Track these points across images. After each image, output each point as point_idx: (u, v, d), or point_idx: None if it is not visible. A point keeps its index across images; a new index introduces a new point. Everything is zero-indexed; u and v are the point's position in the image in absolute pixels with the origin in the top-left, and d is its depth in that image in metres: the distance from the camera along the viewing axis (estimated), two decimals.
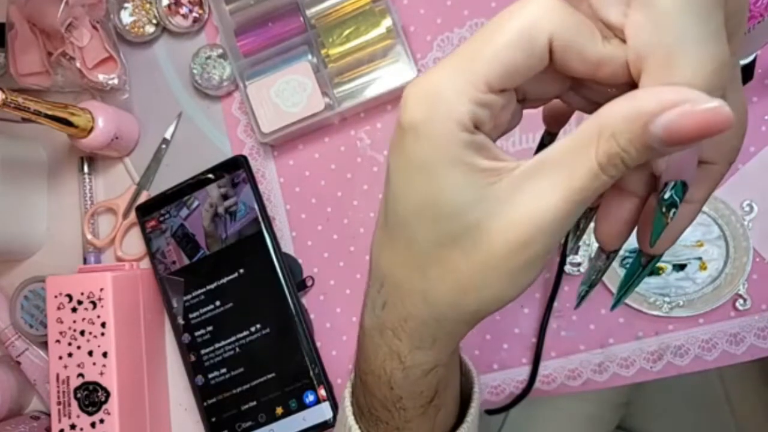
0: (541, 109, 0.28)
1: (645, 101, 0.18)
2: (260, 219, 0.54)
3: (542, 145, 0.30)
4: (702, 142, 0.20)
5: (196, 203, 0.55)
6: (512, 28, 0.20)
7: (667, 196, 0.21)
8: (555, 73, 0.22)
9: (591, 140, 0.19)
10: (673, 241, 0.24)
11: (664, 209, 0.21)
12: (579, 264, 0.50)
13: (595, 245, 0.29)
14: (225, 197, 0.55)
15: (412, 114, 0.21)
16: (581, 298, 0.28)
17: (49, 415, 0.55)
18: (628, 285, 0.27)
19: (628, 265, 0.49)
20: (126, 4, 0.58)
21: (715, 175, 0.23)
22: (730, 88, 0.21)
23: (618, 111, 0.19)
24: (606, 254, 0.26)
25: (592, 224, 0.27)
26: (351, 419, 0.31)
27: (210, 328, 0.54)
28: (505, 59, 0.20)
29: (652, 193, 0.24)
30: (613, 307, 0.28)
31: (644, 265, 0.26)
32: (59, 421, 0.50)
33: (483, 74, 0.21)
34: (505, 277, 0.22)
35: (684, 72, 0.18)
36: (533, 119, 0.26)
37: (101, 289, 0.50)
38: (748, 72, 0.44)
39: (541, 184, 0.20)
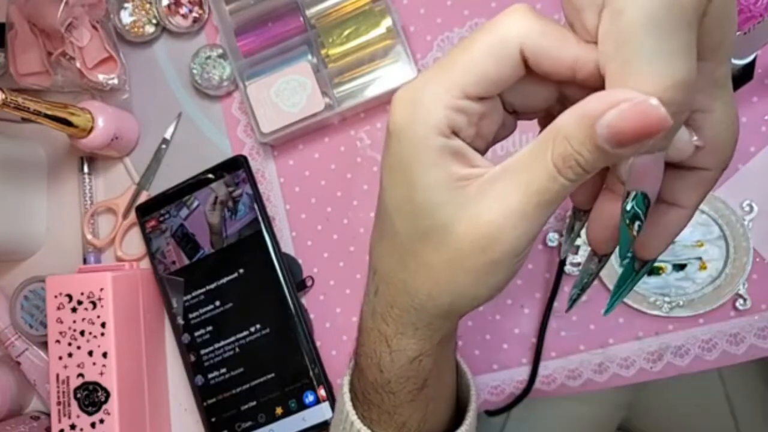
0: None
1: (592, 103, 0.19)
2: (260, 219, 0.54)
3: None
4: (674, 150, 0.21)
5: (196, 203, 0.55)
6: (485, 40, 0.22)
7: (628, 207, 0.21)
8: (539, 85, 0.23)
9: (548, 143, 0.20)
10: (666, 246, 0.25)
11: (627, 221, 0.21)
12: (579, 264, 0.50)
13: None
14: (230, 195, 0.55)
15: (395, 118, 0.23)
16: (573, 302, 0.28)
17: (49, 415, 0.55)
18: (621, 290, 0.27)
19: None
20: (126, 4, 0.58)
21: (708, 181, 0.23)
22: (720, 98, 0.22)
23: (570, 114, 0.20)
24: (598, 257, 0.26)
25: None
26: (348, 405, 0.33)
27: (210, 328, 0.54)
28: (478, 68, 0.22)
29: None
30: (607, 311, 0.28)
31: (637, 270, 0.26)
32: (59, 421, 0.50)
33: (458, 82, 0.22)
34: (470, 275, 0.23)
35: (637, 86, 0.18)
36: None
37: (101, 289, 0.50)
38: (748, 72, 0.44)
39: (503, 188, 0.22)
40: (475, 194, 0.22)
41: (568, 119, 0.20)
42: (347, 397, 0.33)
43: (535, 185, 0.21)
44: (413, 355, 0.28)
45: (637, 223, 0.21)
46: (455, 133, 0.23)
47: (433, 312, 0.26)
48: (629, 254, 0.24)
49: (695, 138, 0.22)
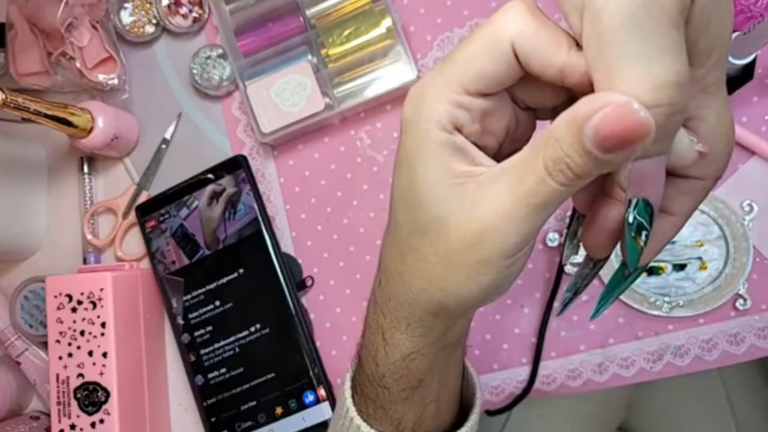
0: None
1: (582, 105, 0.19)
2: (260, 219, 0.54)
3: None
4: (669, 157, 0.20)
5: (196, 203, 0.55)
6: (481, 37, 0.22)
7: (631, 219, 0.20)
8: (545, 83, 0.23)
9: (542, 146, 0.20)
10: (655, 254, 0.24)
11: (633, 233, 0.21)
12: (580, 263, 0.50)
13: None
14: (230, 195, 0.55)
15: (404, 112, 0.24)
16: (565, 305, 0.28)
17: (49, 415, 0.55)
18: (609, 296, 0.26)
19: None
20: (126, 4, 0.58)
21: (700, 190, 0.23)
22: (713, 106, 0.21)
23: (562, 116, 0.19)
24: (593, 262, 0.26)
25: None
26: (349, 400, 0.33)
27: (210, 328, 0.54)
28: (475, 63, 0.22)
29: None
30: (593, 316, 0.27)
31: (627, 276, 0.25)
32: (59, 421, 0.50)
33: (457, 77, 0.22)
34: (461, 272, 0.23)
35: (623, 89, 0.18)
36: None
37: (101, 289, 0.50)
38: (748, 72, 0.44)
39: (498, 187, 0.22)
40: (473, 192, 0.22)
41: (559, 121, 0.19)
42: (348, 393, 0.33)
43: (526, 187, 0.21)
44: (406, 351, 0.28)
45: (643, 233, 0.21)
46: (458, 129, 0.23)
47: (424, 307, 0.26)
48: (633, 264, 0.23)
49: (699, 144, 0.21)
